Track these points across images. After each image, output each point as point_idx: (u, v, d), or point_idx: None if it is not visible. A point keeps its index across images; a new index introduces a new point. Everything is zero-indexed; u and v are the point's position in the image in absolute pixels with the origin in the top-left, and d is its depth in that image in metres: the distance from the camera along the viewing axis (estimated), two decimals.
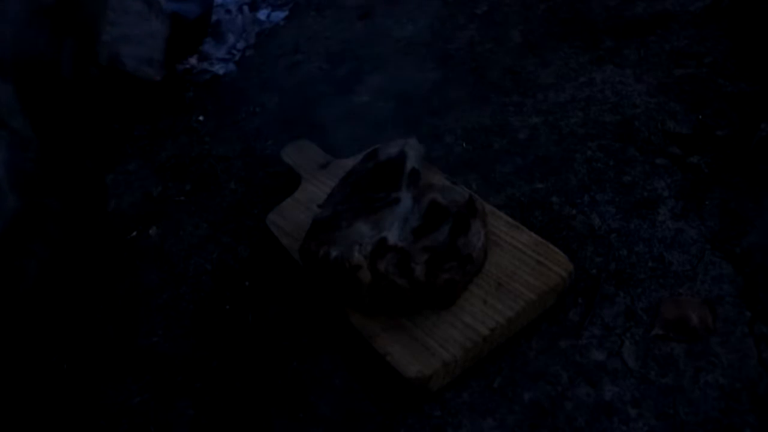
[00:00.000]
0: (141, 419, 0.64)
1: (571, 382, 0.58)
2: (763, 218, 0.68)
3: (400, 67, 1.08)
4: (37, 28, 0.55)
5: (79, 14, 0.58)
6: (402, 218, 0.64)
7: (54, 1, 0.55)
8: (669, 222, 0.70)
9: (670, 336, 0.60)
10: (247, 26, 1.25)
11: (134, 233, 0.86)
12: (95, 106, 0.61)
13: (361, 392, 0.62)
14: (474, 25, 1.14)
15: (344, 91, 1.05)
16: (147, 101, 1.09)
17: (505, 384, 0.59)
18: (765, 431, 0.52)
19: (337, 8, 1.31)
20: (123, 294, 0.77)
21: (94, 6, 0.59)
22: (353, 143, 0.87)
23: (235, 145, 0.99)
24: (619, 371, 0.58)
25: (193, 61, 1.20)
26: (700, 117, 0.82)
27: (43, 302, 0.55)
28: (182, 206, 0.90)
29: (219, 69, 1.19)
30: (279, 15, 1.33)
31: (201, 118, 1.08)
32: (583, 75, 0.95)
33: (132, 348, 0.71)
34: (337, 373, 0.64)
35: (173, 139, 1.04)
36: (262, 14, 1.33)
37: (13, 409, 0.51)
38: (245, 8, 1.33)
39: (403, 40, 1.15)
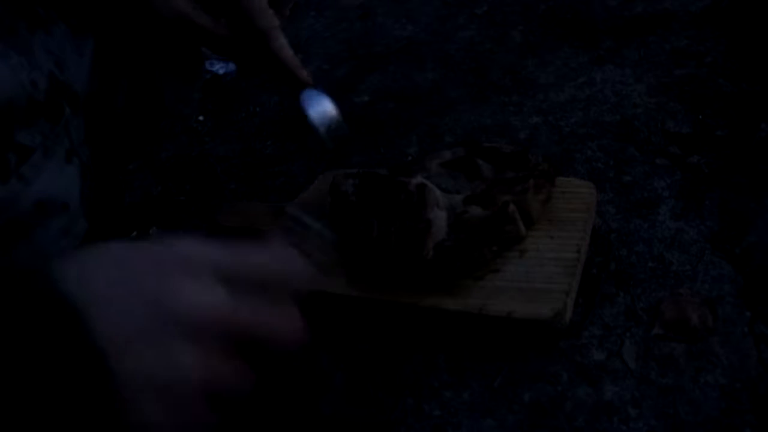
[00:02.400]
0: None
1: (571, 382, 0.58)
2: (763, 218, 0.68)
3: (400, 67, 1.08)
4: (103, 69, 0.59)
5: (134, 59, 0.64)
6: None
7: (118, 47, 0.61)
8: (669, 222, 0.70)
9: (670, 336, 0.60)
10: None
11: (134, 233, 0.86)
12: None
13: (361, 392, 0.62)
14: (474, 25, 1.14)
15: (344, 91, 1.05)
16: None
17: (505, 384, 0.59)
18: (765, 431, 0.52)
19: (337, 8, 1.31)
20: None
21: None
22: (353, 143, 0.87)
23: (235, 145, 0.99)
24: (619, 371, 0.58)
25: None
26: (700, 117, 0.82)
27: None
28: (182, 206, 0.90)
29: (219, 69, 1.19)
30: None
31: (201, 118, 1.08)
32: (583, 75, 0.95)
33: None
34: (337, 373, 0.64)
35: (173, 139, 1.04)
36: None
37: None
38: None
39: (403, 40, 1.15)
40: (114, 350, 0.31)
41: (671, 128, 0.82)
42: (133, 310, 0.32)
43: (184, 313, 0.33)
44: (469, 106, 0.94)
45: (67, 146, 0.53)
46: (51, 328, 0.31)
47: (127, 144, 0.70)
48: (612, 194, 0.75)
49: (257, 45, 0.62)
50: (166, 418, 0.33)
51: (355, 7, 1.29)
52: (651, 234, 0.69)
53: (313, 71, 1.12)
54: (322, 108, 0.66)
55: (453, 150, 0.72)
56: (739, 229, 0.68)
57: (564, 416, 0.56)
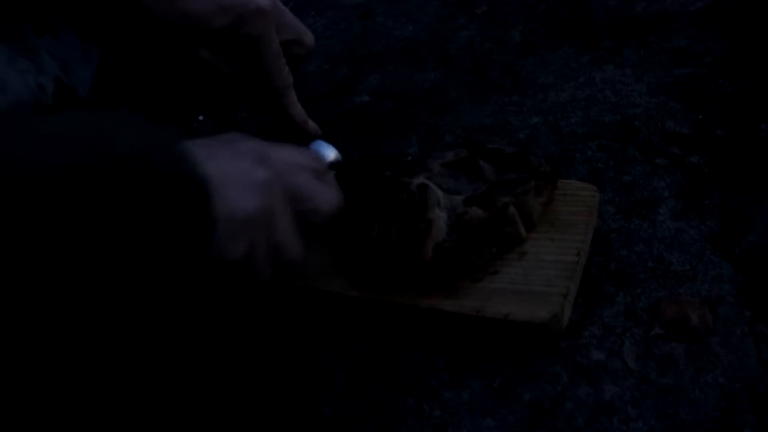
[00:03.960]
0: None
1: (571, 382, 0.58)
2: (763, 218, 0.68)
3: (400, 67, 1.08)
4: (109, 76, 0.62)
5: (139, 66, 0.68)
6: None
7: (126, 55, 0.64)
8: (669, 222, 0.70)
9: (670, 336, 0.60)
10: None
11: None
12: None
13: (361, 392, 0.62)
14: (474, 25, 1.14)
15: (344, 90, 1.05)
16: None
17: (505, 384, 0.59)
18: (765, 431, 0.52)
19: (337, 8, 1.31)
20: None
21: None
22: (353, 143, 0.87)
23: None
24: (619, 371, 0.58)
25: None
26: (700, 117, 0.82)
27: None
28: None
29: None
30: None
31: (201, 117, 1.08)
32: (583, 75, 0.95)
33: None
34: (337, 373, 0.64)
35: None
36: None
37: None
38: None
39: (403, 40, 1.15)
40: (206, 157, 0.40)
41: (671, 128, 0.82)
42: (239, 161, 0.44)
43: (256, 148, 0.46)
44: (469, 106, 0.94)
45: None
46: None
47: None
48: (612, 194, 0.75)
49: (270, 99, 0.68)
50: (243, 201, 0.42)
51: (355, 6, 1.29)
52: (651, 234, 0.69)
53: (313, 71, 1.12)
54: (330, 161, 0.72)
55: (455, 151, 0.72)
56: (739, 229, 0.68)
57: (564, 416, 0.56)
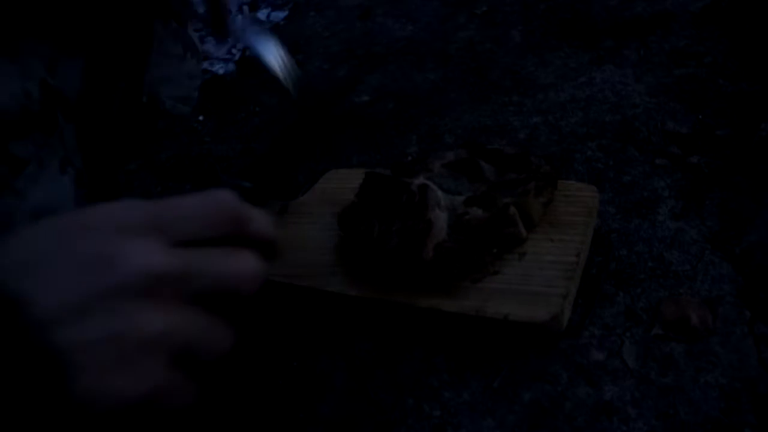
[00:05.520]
0: None
1: (571, 382, 0.58)
2: (763, 218, 0.68)
3: (400, 67, 1.08)
4: (98, 72, 0.59)
5: (131, 60, 0.63)
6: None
7: (114, 52, 0.60)
8: (669, 222, 0.70)
9: (670, 336, 0.60)
10: (246, 26, 1.25)
11: None
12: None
13: (361, 392, 0.62)
14: (474, 25, 1.14)
15: (344, 90, 1.05)
16: None
17: (505, 384, 0.59)
18: (765, 431, 0.52)
19: (337, 8, 1.31)
20: None
21: (142, 51, 0.64)
22: (353, 143, 0.87)
23: (235, 145, 1.00)
24: (619, 371, 0.58)
25: None
26: (700, 117, 0.82)
27: None
28: None
29: (219, 69, 1.19)
30: (279, 15, 1.33)
31: (201, 118, 1.08)
32: (583, 75, 0.95)
33: None
34: (337, 373, 0.64)
35: (173, 139, 1.04)
36: (262, 14, 1.33)
37: None
38: (245, 8, 1.33)
39: (403, 40, 1.15)
40: (59, 323, 0.28)
41: (671, 128, 0.82)
42: (73, 280, 0.29)
43: (130, 273, 0.30)
44: (469, 106, 0.94)
45: (61, 155, 0.52)
46: None
47: (124, 145, 0.70)
48: (612, 194, 0.75)
49: None
50: (135, 385, 0.30)
51: (355, 6, 1.29)
52: (651, 234, 0.69)
53: (313, 71, 1.12)
54: (277, 54, 0.63)
55: (456, 151, 0.72)
56: (739, 229, 0.68)
57: (564, 416, 0.56)
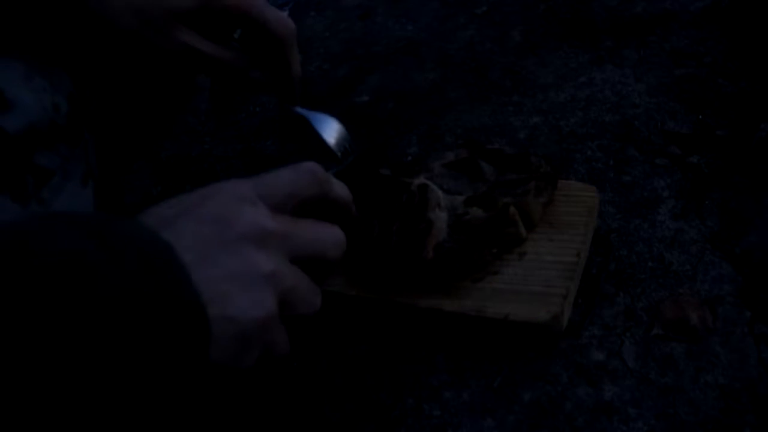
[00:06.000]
0: None
1: (571, 382, 0.58)
2: (763, 218, 0.68)
3: (400, 67, 1.08)
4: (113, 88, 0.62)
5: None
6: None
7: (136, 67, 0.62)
8: (669, 222, 0.70)
9: (670, 336, 0.60)
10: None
11: None
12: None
13: (361, 392, 0.62)
14: (474, 25, 1.14)
15: (344, 90, 1.05)
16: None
17: (505, 384, 0.59)
18: (765, 431, 0.52)
19: (337, 8, 1.31)
20: None
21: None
22: (354, 143, 0.87)
23: (235, 145, 1.00)
24: (619, 371, 0.58)
25: None
26: (700, 117, 0.82)
27: None
28: None
29: None
30: None
31: (203, 118, 1.08)
32: (583, 75, 0.95)
33: None
34: (337, 373, 0.64)
35: (173, 139, 1.04)
36: None
37: None
38: None
39: (403, 40, 1.15)
40: (195, 262, 0.34)
41: (671, 128, 0.82)
42: (202, 233, 0.36)
43: (245, 228, 0.37)
44: (469, 106, 0.94)
45: (84, 168, 0.53)
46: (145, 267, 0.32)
47: (129, 147, 0.70)
48: (612, 194, 0.75)
49: (273, 58, 0.60)
50: (253, 310, 0.36)
51: (355, 7, 1.29)
52: (651, 234, 0.69)
53: (313, 71, 1.12)
54: (334, 130, 0.66)
55: (456, 151, 0.72)
56: (739, 229, 0.68)
57: (564, 416, 0.56)
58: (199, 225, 0.37)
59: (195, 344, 0.34)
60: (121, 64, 0.61)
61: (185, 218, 0.37)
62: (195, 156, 0.99)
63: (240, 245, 0.37)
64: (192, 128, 1.06)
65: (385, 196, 0.67)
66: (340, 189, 0.46)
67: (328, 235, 0.43)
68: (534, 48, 1.04)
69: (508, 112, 0.92)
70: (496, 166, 0.69)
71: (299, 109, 0.65)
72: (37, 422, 0.28)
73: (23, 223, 0.33)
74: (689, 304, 0.62)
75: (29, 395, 0.28)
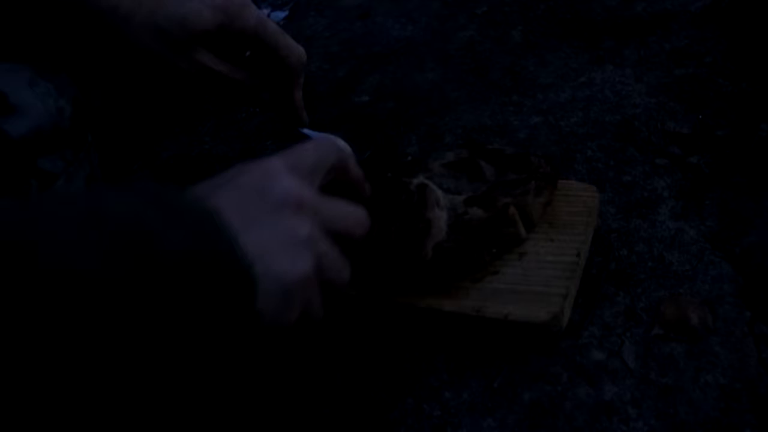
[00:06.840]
0: None
1: (571, 382, 0.58)
2: (763, 218, 0.68)
3: (400, 67, 1.08)
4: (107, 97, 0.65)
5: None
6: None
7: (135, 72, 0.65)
8: (669, 222, 0.70)
9: (670, 336, 0.60)
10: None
11: None
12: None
13: (361, 392, 0.62)
14: (474, 25, 1.14)
15: (344, 90, 1.05)
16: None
17: (505, 384, 0.59)
18: (765, 431, 0.52)
19: (337, 8, 1.31)
20: None
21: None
22: (353, 143, 0.87)
23: (235, 145, 1.00)
24: (619, 371, 0.58)
25: None
26: (700, 117, 0.82)
27: None
28: None
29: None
30: (279, 15, 1.33)
31: (201, 118, 1.08)
32: (583, 75, 0.95)
33: None
34: (337, 373, 0.64)
35: (173, 139, 1.04)
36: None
37: None
38: None
39: (403, 40, 1.15)
40: (239, 227, 0.37)
41: (671, 128, 0.82)
42: (244, 201, 0.40)
43: (283, 195, 0.41)
44: (469, 106, 0.94)
45: (87, 171, 0.53)
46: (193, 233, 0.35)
47: (129, 147, 0.71)
48: (612, 194, 0.75)
49: (281, 83, 0.63)
50: (294, 267, 0.40)
51: (355, 7, 1.29)
52: (651, 234, 0.69)
53: (313, 71, 1.12)
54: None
55: (456, 151, 0.72)
56: (739, 229, 0.68)
57: (564, 416, 0.56)
58: (239, 194, 0.40)
59: (244, 299, 0.37)
60: (130, 74, 0.62)
61: (225, 189, 0.40)
62: (195, 156, 0.99)
63: (278, 211, 0.40)
64: (192, 128, 1.06)
65: (385, 196, 0.67)
66: (357, 167, 0.51)
67: (354, 213, 0.46)
68: (534, 48, 1.04)
69: (508, 112, 0.92)
70: (496, 166, 0.69)
71: (304, 130, 0.68)
72: (100, 375, 0.32)
73: (85, 194, 0.37)
74: (689, 304, 0.62)
75: (96, 349, 0.32)
